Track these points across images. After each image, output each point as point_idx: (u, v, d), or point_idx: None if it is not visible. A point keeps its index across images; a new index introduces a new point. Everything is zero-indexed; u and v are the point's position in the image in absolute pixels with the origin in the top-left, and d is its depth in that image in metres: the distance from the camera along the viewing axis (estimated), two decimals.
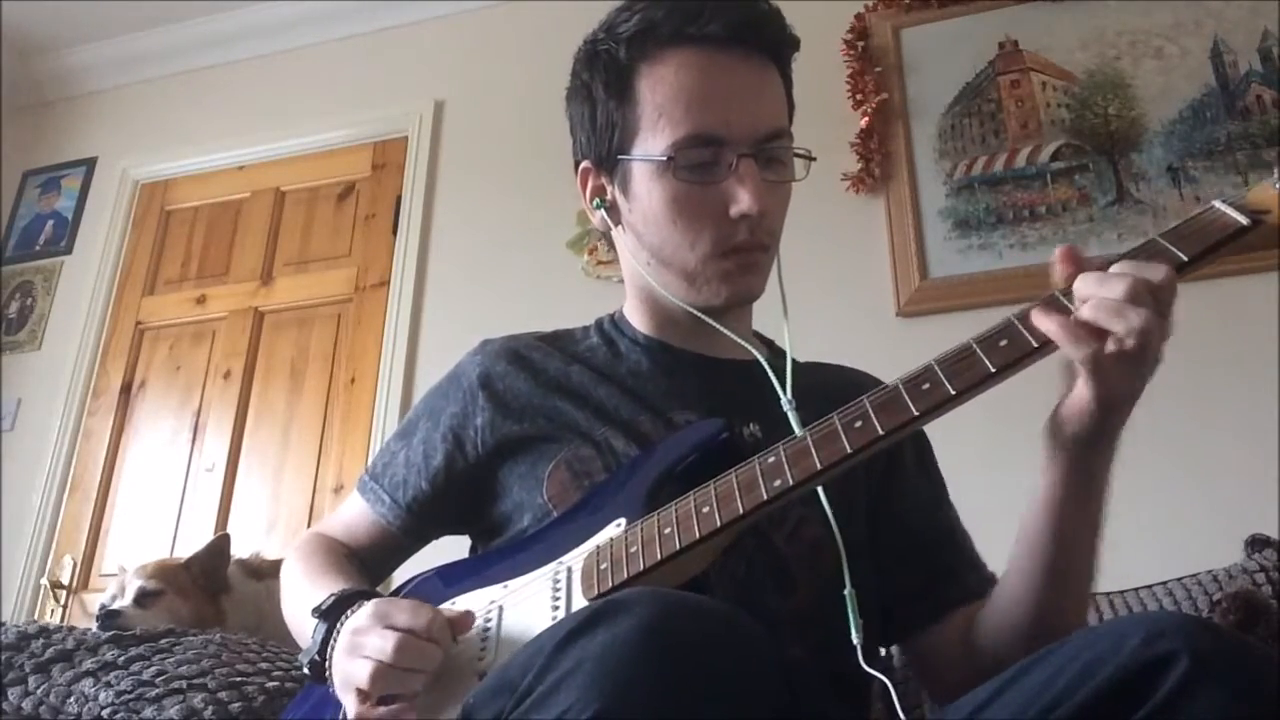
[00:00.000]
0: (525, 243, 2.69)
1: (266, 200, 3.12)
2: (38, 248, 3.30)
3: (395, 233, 2.89)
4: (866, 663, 0.74)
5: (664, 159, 0.88)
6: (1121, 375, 0.67)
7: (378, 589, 0.92)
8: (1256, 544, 1.49)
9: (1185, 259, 0.65)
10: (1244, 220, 0.64)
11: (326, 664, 0.79)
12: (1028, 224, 2.26)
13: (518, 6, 3.01)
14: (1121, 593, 1.50)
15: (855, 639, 0.74)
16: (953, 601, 0.91)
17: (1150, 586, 1.49)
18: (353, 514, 1.05)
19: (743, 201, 0.87)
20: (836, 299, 2.27)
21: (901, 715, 0.67)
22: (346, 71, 3.16)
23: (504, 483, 0.95)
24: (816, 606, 0.84)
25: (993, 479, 1.96)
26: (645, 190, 0.91)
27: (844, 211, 2.38)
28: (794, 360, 1.01)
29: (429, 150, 2.94)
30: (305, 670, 0.82)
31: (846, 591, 0.75)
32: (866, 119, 2.42)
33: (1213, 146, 2.20)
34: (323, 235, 3.02)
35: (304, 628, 0.86)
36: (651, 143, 0.90)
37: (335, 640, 0.79)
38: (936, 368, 0.70)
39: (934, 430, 1.01)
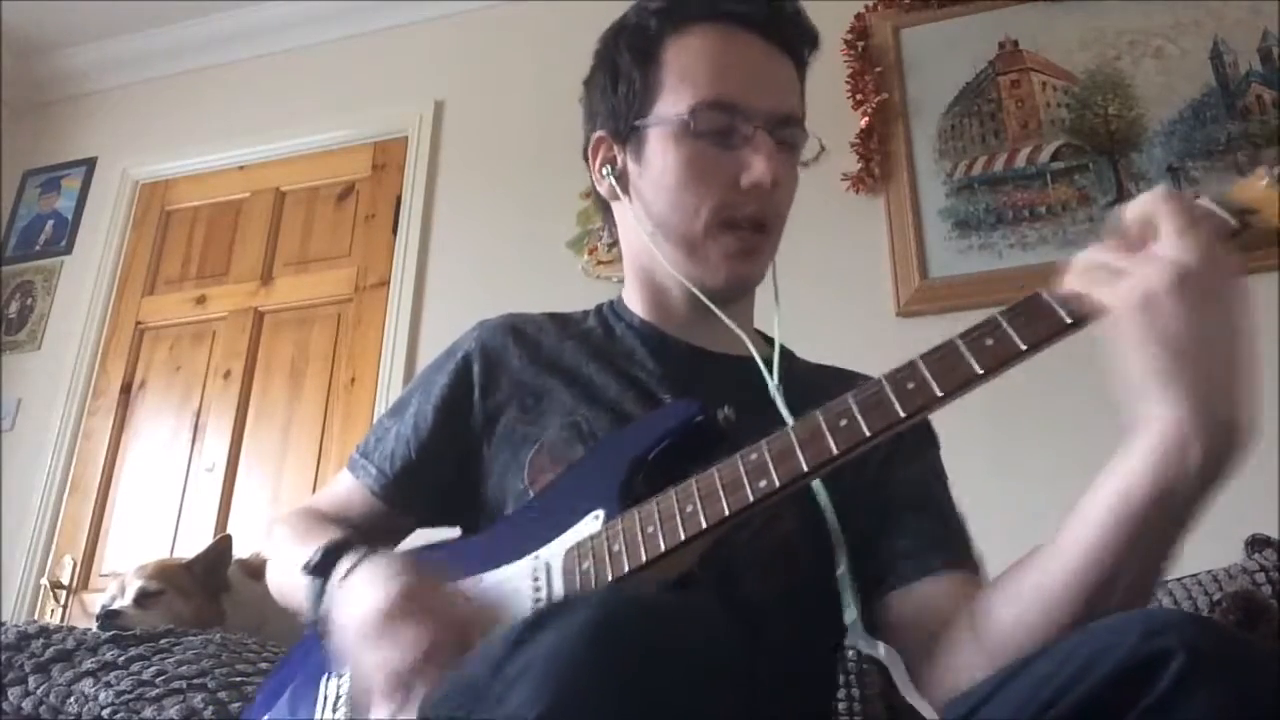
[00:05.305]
0: (525, 243, 2.69)
1: (266, 200, 3.12)
2: (38, 248, 3.30)
3: (395, 233, 2.89)
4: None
5: (683, 120, 0.89)
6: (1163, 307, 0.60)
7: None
8: (1256, 544, 1.49)
9: None
10: (1233, 221, 0.63)
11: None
12: (1028, 224, 2.26)
13: (518, 6, 3.01)
14: None
15: (847, 618, 0.72)
16: (942, 565, 0.84)
17: None
18: (341, 490, 1.03)
19: (756, 169, 0.88)
20: (836, 299, 2.27)
21: (905, 689, 0.67)
22: (346, 71, 3.16)
23: (488, 465, 0.95)
24: (789, 597, 0.83)
25: (1001, 483, 1.97)
26: (660, 152, 0.92)
27: (844, 211, 2.38)
28: (800, 360, 1.01)
29: (429, 150, 2.94)
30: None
31: (839, 572, 0.74)
32: (866, 119, 2.43)
33: (1213, 146, 2.20)
34: (323, 235, 3.02)
35: (294, 589, 0.85)
36: (672, 105, 0.91)
37: (331, 595, 0.77)
38: (920, 364, 0.68)
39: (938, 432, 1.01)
